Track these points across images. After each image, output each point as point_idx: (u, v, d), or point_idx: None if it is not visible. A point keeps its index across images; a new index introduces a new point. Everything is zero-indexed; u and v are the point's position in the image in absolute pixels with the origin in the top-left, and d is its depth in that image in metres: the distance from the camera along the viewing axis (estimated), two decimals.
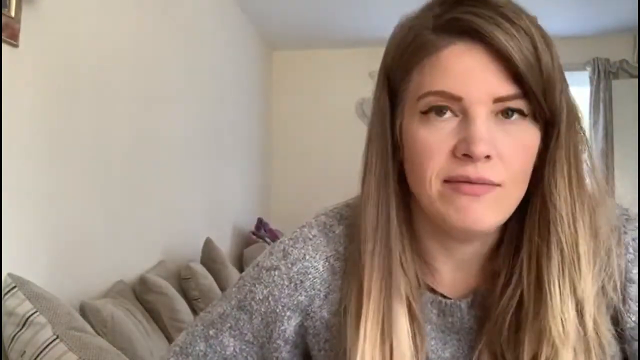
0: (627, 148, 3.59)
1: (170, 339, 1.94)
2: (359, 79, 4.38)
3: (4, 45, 1.39)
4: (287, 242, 0.66)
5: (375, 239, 0.58)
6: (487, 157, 0.51)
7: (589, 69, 3.93)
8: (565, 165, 0.54)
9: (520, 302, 0.56)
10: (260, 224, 3.81)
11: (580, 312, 0.54)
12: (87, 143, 1.81)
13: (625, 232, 0.59)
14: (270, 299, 0.64)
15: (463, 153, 0.52)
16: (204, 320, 0.68)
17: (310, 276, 0.63)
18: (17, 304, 1.30)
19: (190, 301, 2.22)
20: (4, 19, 1.36)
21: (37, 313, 1.30)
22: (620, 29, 3.78)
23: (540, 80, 0.51)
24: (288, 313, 0.64)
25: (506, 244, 0.60)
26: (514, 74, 0.51)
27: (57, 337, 1.28)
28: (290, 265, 0.64)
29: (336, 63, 4.41)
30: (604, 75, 3.91)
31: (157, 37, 2.36)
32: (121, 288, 1.90)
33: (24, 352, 1.27)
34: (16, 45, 1.43)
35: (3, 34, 1.36)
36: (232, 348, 0.66)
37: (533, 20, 0.54)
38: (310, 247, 0.64)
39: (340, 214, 0.67)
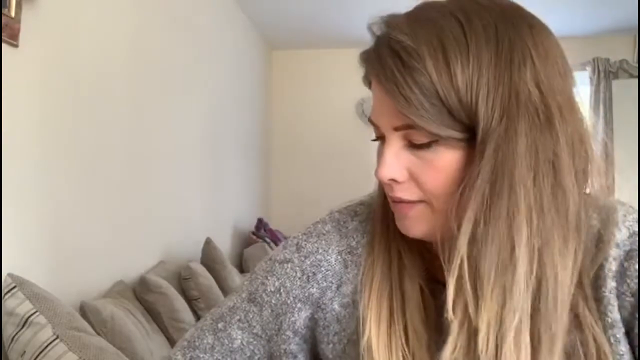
0: (627, 148, 3.59)
1: (170, 339, 1.94)
2: (359, 79, 4.32)
3: (4, 45, 1.39)
4: (300, 237, 0.67)
5: (382, 229, 0.62)
6: (394, 180, 0.55)
7: (589, 69, 3.93)
8: (481, 181, 0.50)
9: None
10: (260, 224, 3.81)
11: (500, 334, 0.50)
12: (87, 143, 1.81)
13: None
14: (281, 290, 0.65)
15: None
16: (213, 314, 0.69)
17: (322, 269, 0.65)
18: (17, 304, 1.30)
19: (190, 301, 2.22)
20: (4, 19, 1.36)
21: (37, 313, 1.30)
22: (620, 29, 3.79)
23: (433, 111, 0.50)
24: (299, 305, 0.65)
25: None
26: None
27: (57, 337, 1.28)
28: (303, 258, 0.65)
29: (336, 63, 4.41)
30: (604, 75, 3.91)
31: (156, 36, 2.36)
32: (121, 288, 1.90)
33: (24, 352, 1.27)
34: (16, 45, 1.43)
35: (3, 34, 1.37)
36: (239, 341, 0.66)
37: (441, 49, 0.50)
38: (323, 242, 0.66)
39: (354, 210, 0.69)
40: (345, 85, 4.41)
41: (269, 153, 4.47)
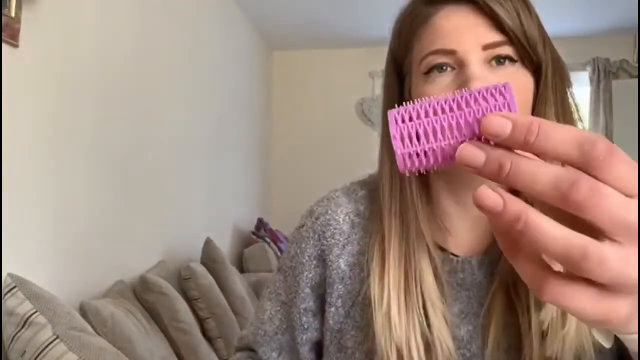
0: (627, 148, 3.58)
1: (170, 339, 1.94)
2: (359, 79, 4.38)
3: (4, 45, 1.39)
4: (314, 203, 0.73)
5: (392, 201, 0.64)
6: None
7: (589, 69, 3.93)
8: (552, 102, 0.60)
9: None
10: (260, 224, 3.81)
11: None
12: (87, 143, 1.81)
13: None
14: (298, 252, 0.71)
15: None
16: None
17: (331, 227, 0.69)
18: (17, 304, 1.30)
19: (190, 301, 2.22)
20: (4, 19, 1.36)
21: (37, 313, 1.30)
22: (620, 29, 3.78)
23: (521, 30, 0.57)
24: (314, 262, 0.69)
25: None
26: (498, 25, 0.57)
27: (57, 337, 1.28)
28: (314, 220, 0.71)
29: (336, 63, 4.41)
30: (604, 75, 3.91)
31: (157, 37, 2.36)
32: (121, 288, 1.90)
33: (24, 352, 1.27)
34: (16, 45, 1.43)
35: (3, 34, 1.37)
36: (268, 312, 0.73)
37: None
38: (332, 204, 0.71)
39: (364, 181, 0.73)
40: (346, 85, 4.41)
41: (269, 153, 4.47)
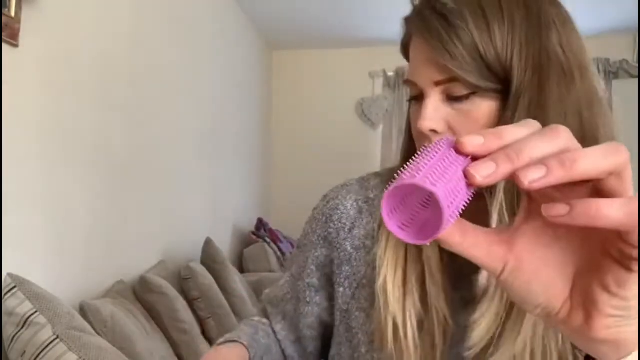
0: (627, 148, 3.58)
1: (170, 339, 1.94)
2: (359, 79, 4.38)
3: (4, 45, 1.39)
4: (329, 190, 0.78)
5: None
6: (434, 131, 0.59)
7: None
8: (526, 114, 0.56)
9: None
10: (260, 224, 3.81)
11: None
12: (88, 143, 1.81)
13: None
14: (310, 231, 0.76)
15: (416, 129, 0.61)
16: None
17: (338, 211, 0.73)
18: (17, 304, 1.30)
19: (190, 301, 2.22)
20: (4, 19, 1.36)
21: (37, 313, 1.30)
22: (620, 29, 3.78)
23: (475, 64, 0.56)
24: (321, 242, 0.74)
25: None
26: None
27: (57, 337, 1.28)
28: (325, 203, 0.76)
29: (336, 63, 4.41)
30: (604, 75, 3.91)
31: (156, 37, 2.36)
32: (121, 288, 1.90)
33: (24, 352, 1.27)
34: (16, 45, 1.43)
35: (3, 34, 1.37)
36: (283, 280, 0.80)
37: (480, 11, 0.56)
38: (344, 191, 0.75)
39: (378, 172, 0.78)
40: (346, 85, 4.41)
41: (269, 153, 4.47)
